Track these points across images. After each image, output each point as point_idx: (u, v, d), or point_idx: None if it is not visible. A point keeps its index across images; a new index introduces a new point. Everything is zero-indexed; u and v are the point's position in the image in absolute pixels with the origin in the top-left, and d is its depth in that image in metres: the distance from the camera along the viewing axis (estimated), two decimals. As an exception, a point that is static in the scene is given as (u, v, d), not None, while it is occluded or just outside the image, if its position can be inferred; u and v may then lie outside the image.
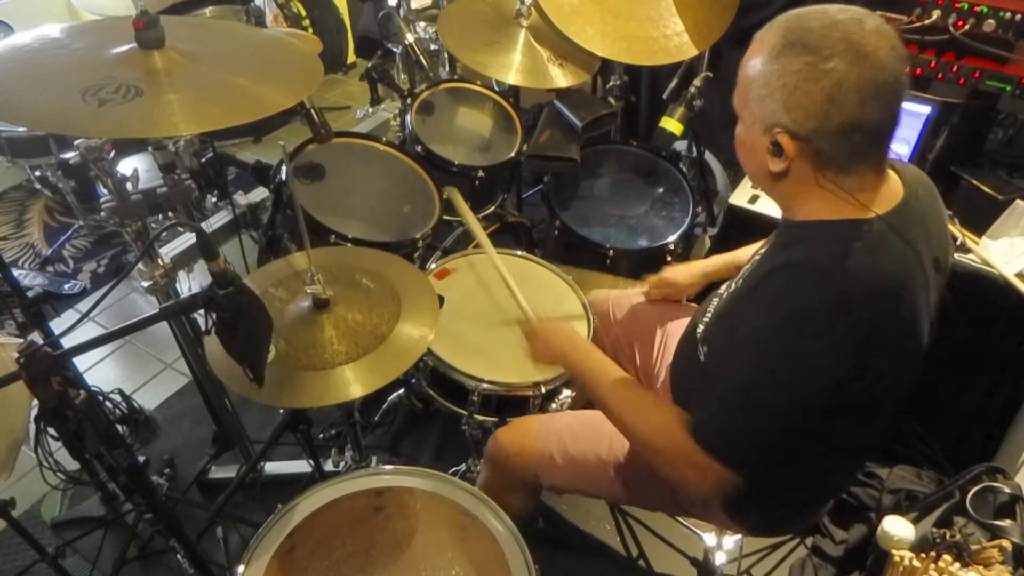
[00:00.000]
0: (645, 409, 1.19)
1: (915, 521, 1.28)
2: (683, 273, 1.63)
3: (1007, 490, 1.27)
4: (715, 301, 1.32)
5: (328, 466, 1.88)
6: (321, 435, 2.09)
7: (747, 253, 1.54)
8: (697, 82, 1.78)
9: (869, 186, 1.02)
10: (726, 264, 1.58)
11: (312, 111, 1.62)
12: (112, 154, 1.37)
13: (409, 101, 2.07)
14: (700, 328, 1.29)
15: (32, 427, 1.10)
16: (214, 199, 1.92)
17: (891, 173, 1.06)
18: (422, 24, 2.46)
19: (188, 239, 1.76)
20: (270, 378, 1.08)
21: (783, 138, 0.98)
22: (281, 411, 1.80)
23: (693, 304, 1.68)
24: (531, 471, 1.48)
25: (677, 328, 1.53)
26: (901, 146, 1.89)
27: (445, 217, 1.96)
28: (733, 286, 1.24)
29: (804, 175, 1.02)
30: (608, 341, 1.72)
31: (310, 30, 3.70)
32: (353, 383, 1.20)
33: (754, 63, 1.01)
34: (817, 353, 0.97)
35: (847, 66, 0.92)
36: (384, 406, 2.14)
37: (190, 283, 1.83)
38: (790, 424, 1.02)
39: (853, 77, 0.92)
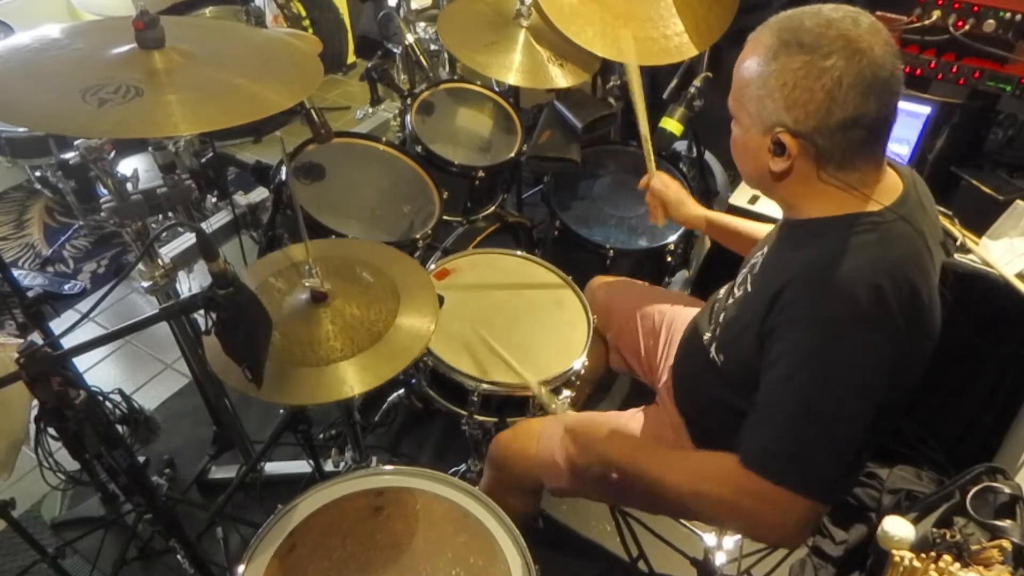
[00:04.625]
0: (689, 464, 1.16)
1: (915, 521, 1.28)
2: (692, 206, 1.60)
3: (1007, 490, 1.27)
4: (716, 306, 1.32)
5: (328, 466, 1.88)
6: (321, 435, 2.09)
7: (747, 225, 1.53)
8: (697, 82, 1.78)
9: (871, 180, 1.03)
10: (726, 226, 1.56)
11: (312, 111, 1.63)
12: (112, 154, 1.37)
13: (409, 101, 2.07)
14: (707, 335, 1.28)
15: (32, 427, 1.11)
16: (214, 199, 1.92)
17: (888, 168, 1.07)
18: (422, 24, 2.46)
19: (188, 239, 1.76)
20: (266, 374, 1.08)
21: (785, 137, 0.99)
22: (281, 411, 1.80)
23: (697, 299, 1.68)
24: (533, 474, 1.48)
25: (682, 325, 1.52)
26: (901, 146, 1.89)
27: (445, 217, 1.96)
28: (737, 291, 1.23)
29: (805, 173, 1.02)
30: (610, 334, 1.72)
31: (310, 30, 3.70)
32: (349, 381, 1.19)
33: (749, 64, 1.01)
34: (864, 350, 0.96)
35: (845, 63, 0.93)
36: (384, 406, 2.15)
37: (190, 283, 1.84)
38: (868, 428, 1.00)
39: (852, 73, 0.93)
